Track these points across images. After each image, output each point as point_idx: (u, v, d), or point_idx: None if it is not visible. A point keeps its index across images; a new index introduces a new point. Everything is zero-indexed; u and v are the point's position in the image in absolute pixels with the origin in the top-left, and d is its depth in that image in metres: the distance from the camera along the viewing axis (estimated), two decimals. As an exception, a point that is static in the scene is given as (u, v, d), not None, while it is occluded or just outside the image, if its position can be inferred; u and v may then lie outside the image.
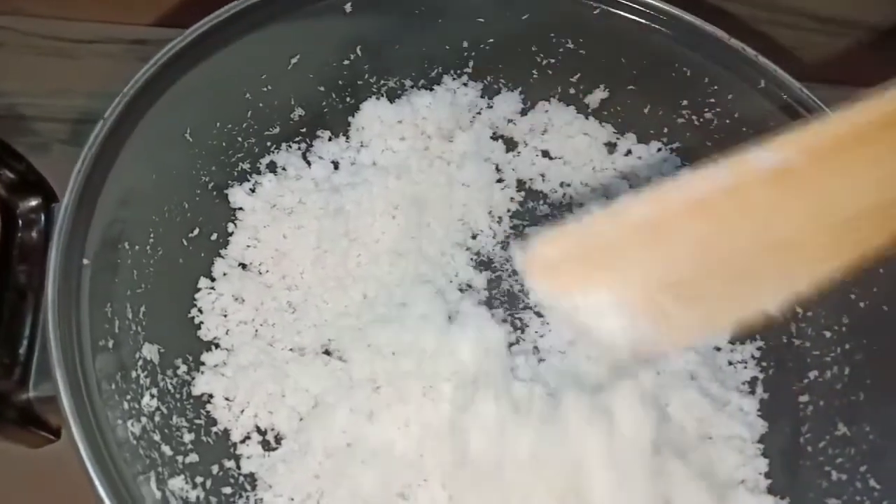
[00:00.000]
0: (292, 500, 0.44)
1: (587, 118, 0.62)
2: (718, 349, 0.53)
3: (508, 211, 0.58)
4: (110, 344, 0.41)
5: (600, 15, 0.57)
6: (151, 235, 0.47)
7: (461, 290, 0.53)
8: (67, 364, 0.36)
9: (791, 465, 0.49)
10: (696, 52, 0.57)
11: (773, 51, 0.57)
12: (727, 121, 0.58)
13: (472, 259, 0.55)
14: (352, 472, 0.44)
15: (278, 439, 0.47)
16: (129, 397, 0.41)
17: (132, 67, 0.44)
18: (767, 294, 0.32)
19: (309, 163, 0.56)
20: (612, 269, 0.32)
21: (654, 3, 0.57)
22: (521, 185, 0.59)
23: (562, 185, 0.60)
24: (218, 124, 0.52)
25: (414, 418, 0.45)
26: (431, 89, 0.60)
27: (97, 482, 0.33)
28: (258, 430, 0.47)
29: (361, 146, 0.57)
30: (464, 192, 0.56)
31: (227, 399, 0.46)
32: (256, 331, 0.49)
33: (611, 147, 0.61)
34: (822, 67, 0.73)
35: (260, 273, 0.52)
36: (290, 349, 0.49)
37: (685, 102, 0.60)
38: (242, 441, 0.46)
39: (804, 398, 0.52)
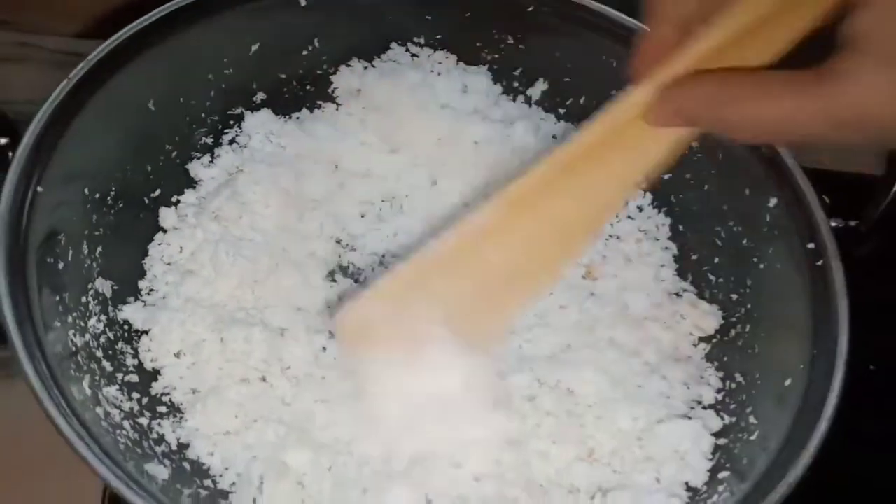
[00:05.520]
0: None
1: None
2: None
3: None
4: (60, 265, 0.47)
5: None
6: (113, 189, 0.54)
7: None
8: (10, 254, 0.43)
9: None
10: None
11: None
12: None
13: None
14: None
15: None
16: (75, 315, 0.48)
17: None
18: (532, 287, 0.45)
19: (270, 141, 0.63)
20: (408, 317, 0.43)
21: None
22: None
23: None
24: (181, 100, 0.59)
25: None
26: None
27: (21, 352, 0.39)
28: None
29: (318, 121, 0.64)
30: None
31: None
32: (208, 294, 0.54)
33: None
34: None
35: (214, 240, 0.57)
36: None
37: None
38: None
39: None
